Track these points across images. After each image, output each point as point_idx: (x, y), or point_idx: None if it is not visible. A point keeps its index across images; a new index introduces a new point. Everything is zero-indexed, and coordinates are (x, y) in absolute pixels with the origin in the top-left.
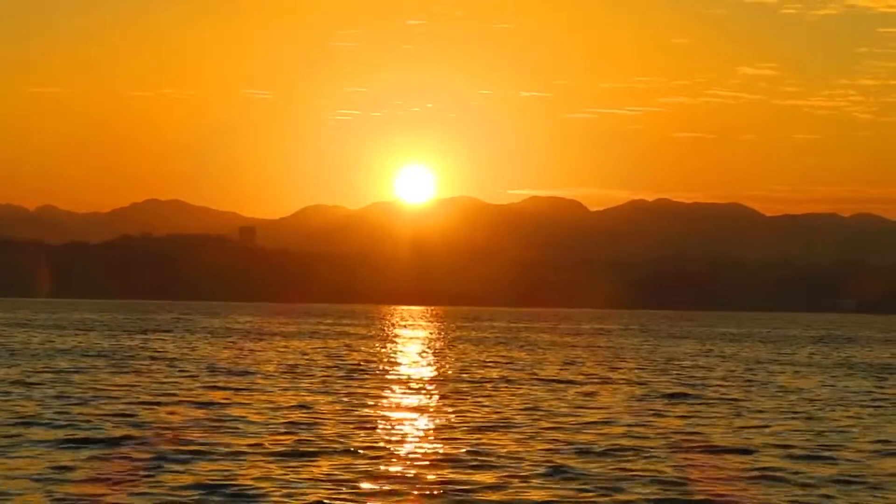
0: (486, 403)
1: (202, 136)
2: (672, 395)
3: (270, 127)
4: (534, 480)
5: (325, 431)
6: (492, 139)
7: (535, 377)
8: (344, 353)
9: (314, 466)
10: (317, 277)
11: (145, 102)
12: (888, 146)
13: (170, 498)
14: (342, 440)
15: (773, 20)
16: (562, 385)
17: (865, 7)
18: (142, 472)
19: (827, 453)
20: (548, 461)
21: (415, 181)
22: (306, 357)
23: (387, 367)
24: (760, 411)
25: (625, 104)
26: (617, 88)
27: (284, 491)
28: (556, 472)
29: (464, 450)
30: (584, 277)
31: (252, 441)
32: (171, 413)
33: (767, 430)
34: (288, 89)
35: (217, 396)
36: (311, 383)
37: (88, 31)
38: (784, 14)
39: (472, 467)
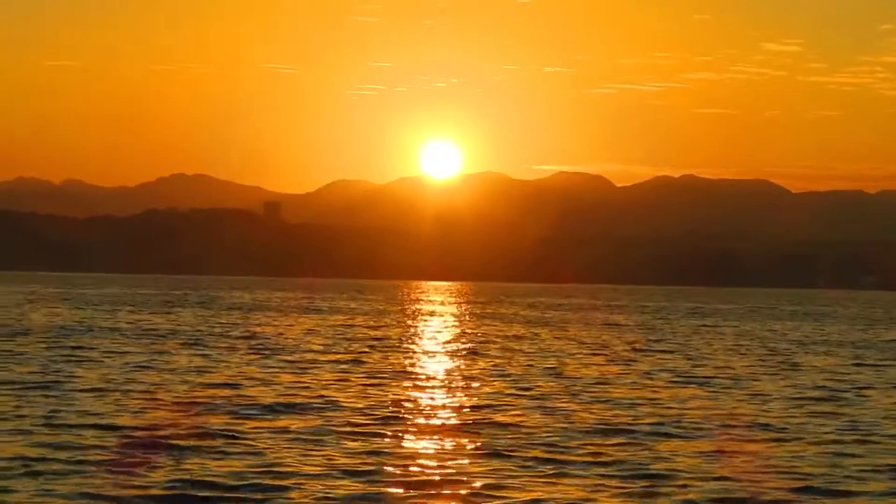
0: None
1: (226, 111)
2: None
3: (294, 101)
4: None
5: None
6: (516, 115)
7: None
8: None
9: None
10: (341, 252)
11: (169, 76)
12: None
13: None
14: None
15: None
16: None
17: None
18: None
19: None
20: None
21: (440, 156)
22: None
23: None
24: None
25: (647, 80)
26: (639, 64)
27: None
28: None
29: None
30: (611, 253)
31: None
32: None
33: None
34: (311, 64)
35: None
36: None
37: (111, 5)
38: None
39: None
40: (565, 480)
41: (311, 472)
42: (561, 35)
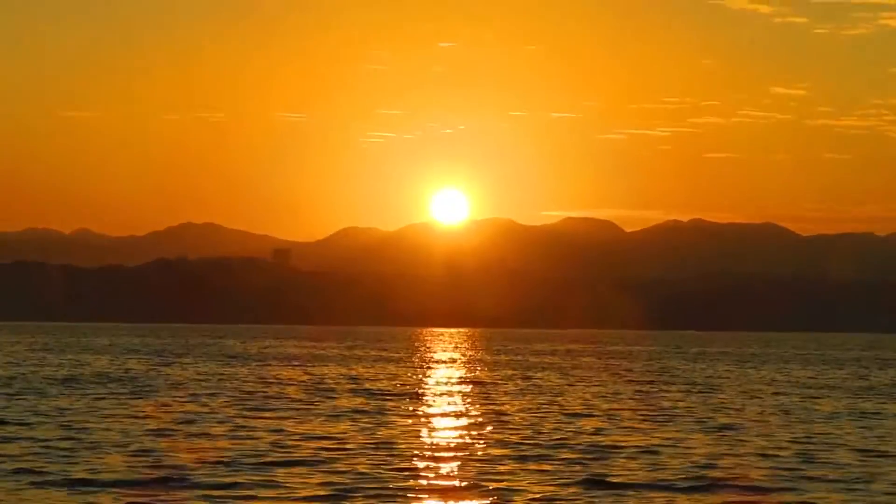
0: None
1: (236, 159)
2: None
3: (304, 149)
4: None
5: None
6: (524, 160)
7: None
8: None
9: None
10: (351, 299)
11: (179, 126)
12: None
13: None
14: None
15: (805, 40)
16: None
17: None
18: None
19: None
20: None
21: (449, 203)
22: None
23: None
24: None
25: (655, 125)
26: (647, 109)
27: None
28: None
29: None
30: (621, 298)
31: None
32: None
33: None
34: (321, 112)
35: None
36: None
37: (122, 55)
38: (816, 34)
39: None
40: None
41: None
42: (568, 81)
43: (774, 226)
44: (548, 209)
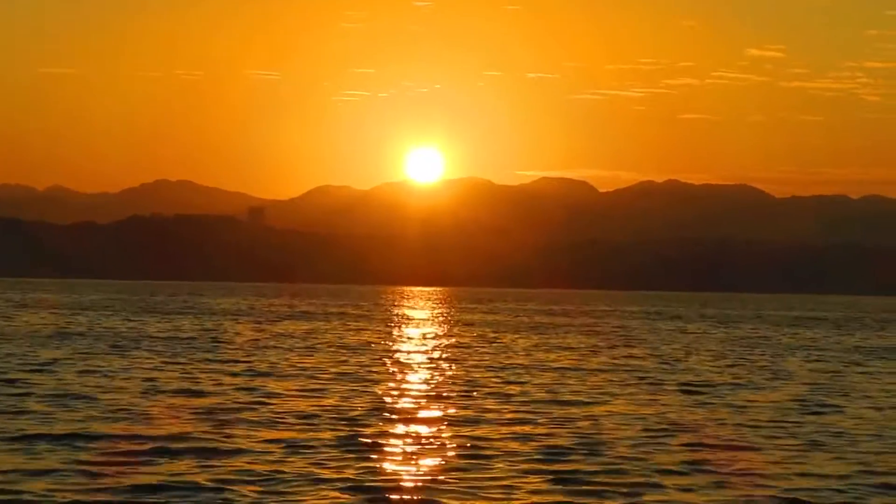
0: None
1: (211, 117)
2: None
3: (279, 108)
4: None
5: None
6: (500, 120)
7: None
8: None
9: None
10: (325, 258)
11: (156, 83)
12: (895, 128)
13: None
14: None
15: (781, 2)
16: None
17: None
18: None
19: None
20: None
21: (424, 162)
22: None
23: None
24: None
25: (631, 86)
26: (622, 70)
27: None
28: None
29: None
30: (594, 258)
31: None
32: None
33: None
34: (296, 70)
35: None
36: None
37: (100, 13)
38: None
39: None
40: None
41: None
42: (544, 41)
43: (748, 187)
44: (522, 169)
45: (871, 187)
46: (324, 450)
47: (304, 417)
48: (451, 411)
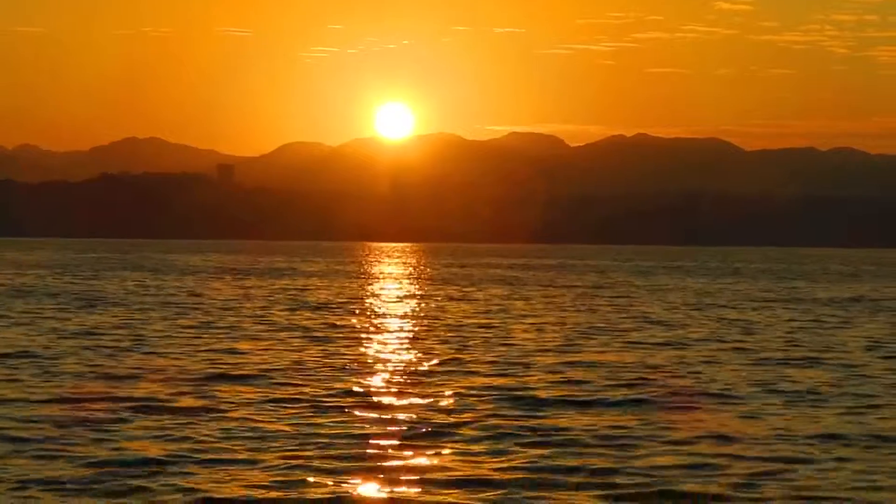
0: None
1: (180, 74)
2: None
3: (248, 65)
4: None
5: None
6: (469, 76)
7: None
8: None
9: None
10: (295, 214)
11: (125, 41)
12: (864, 81)
13: None
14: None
15: None
16: None
17: None
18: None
19: None
20: None
21: (393, 117)
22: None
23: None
24: None
25: (599, 40)
26: (591, 24)
27: None
28: None
29: None
30: (565, 213)
31: None
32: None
33: None
34: (264, 27)
35: None
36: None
37: None
38: None
39: None
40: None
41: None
42: None
43: (718, 141)
44: (492, 124)
45: (840, 140)
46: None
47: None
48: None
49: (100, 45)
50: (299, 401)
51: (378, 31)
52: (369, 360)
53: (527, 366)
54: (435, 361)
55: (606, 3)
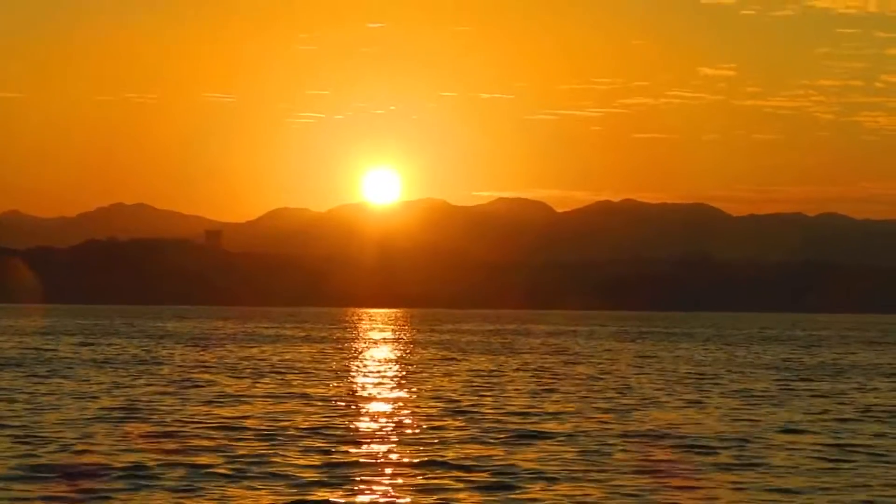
0: None
1: (166, 140)
2: None
3: (234, 130)
4: None
5: None
6: (456, 141)
7: None
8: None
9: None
10: (283, 280)
11: (109, 107)
12: (849, 146)
13: None
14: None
15: (732, 21)
16: None
17: (824, 8)
18: None
19: None
20: None
21: (380, 183)
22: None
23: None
24: None
25: (586, 105)
26: (577, 90)
27: None
28: None
29: None
30: (552, 278)
31: None
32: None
33: None
34: (250, 93)
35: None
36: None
37: (51, 36)
38: (743, 15)
39: None
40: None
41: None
42: (499, 61)
43: (706, 206)
44: (479, 189)
45: (828, 205)
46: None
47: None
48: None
49: (83, 110)
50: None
51: (365, 97)
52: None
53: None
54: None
55: (592, 68)
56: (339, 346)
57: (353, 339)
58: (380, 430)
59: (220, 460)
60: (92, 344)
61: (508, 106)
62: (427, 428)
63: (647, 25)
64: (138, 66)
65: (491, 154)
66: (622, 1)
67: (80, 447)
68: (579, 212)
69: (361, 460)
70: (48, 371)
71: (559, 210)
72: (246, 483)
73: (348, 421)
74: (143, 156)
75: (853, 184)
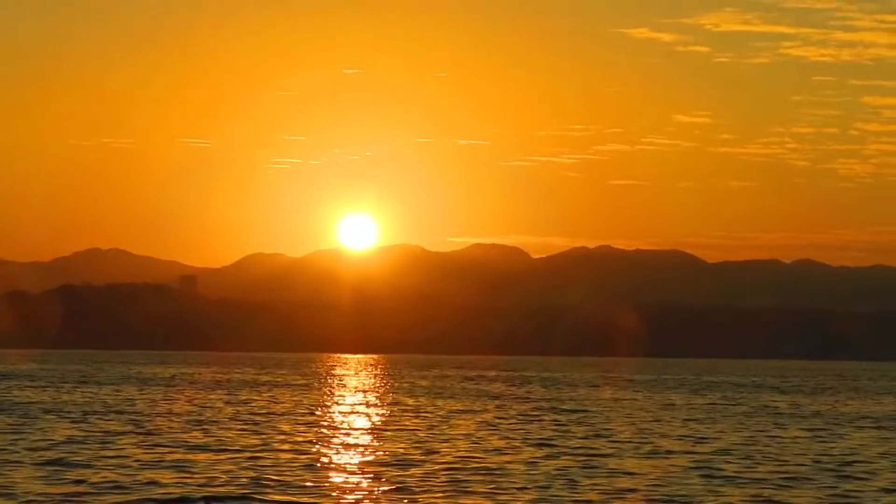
0: None
1: (142, 185)
2: None
3: (210, 175)
4: None
5: None
6: (432, 187)
7: None
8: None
9: None
10: (258, 325)
11: (85, 151)
12: (824, 193)
13: None
14: None
15: (707, 68)
16: None
17: (798, 56)
18: None
19: None
20: None
21: (356, 228)
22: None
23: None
24: None
25: (562, 152)
26: (553, 136)
27: None
28: None
29: None
30: (528, 324)
31: None
32: None
33: None
34: (226, 138)
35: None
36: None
37: (24, 81)
38: (717, 62)
39: None
40: None
41: None
42: (475, 108)
43: (681, 253)
44: (455, 235)
45: (803, 251)
46: None
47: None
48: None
49: (59, 155)
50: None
51: (341, 143)
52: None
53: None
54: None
55: (567, 115)
56: (294, 394)
57: (310, 387)
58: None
59: None
60: (47, 388)
61: (485, 152)
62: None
63: (623, 73)
64: (115, 110)
65: (467, 200)
66: (598, 48)
67: None
68: (555, 258)
69: None
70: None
71: (535, 256)
72: None
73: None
74: (119, 201)
75: (828, 230)
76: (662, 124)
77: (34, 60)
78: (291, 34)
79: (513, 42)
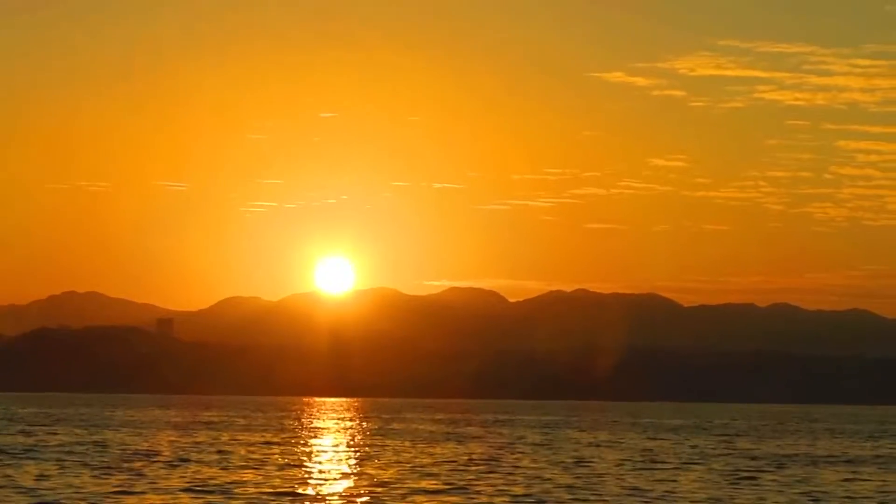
0: None
1: (118, 228)
2: None
3: (186, 219)
4: None
5: None
6: (408, 230)
7: None
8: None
9: None
10: (234, 369)
11: (60, 195)
12: (800, 237)
13: None
14: None
15: (682, 112)
16: None
17: (773, 100)
18: None
19: None
20: None
21: (332, 272)
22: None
23: None
24: None
25: (537, 196)
26: (529, 180)
27: None
28: None
29: None
30: (504, 368)
31: None
32: None
33: None
34: (202, 181)
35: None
36: None
37: (0, 124)
38: (693, 106)
39: None
40: None
41: None
42: (451, 151)
43: (657, 296)
44: (431, 279)
45: (779, 295)
46: None
47: None
48: None
49: (35, 199)
50: None
51: (317, 186)
52: None
53: None
54: None
55: (543, 159)
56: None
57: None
58: None
59: None
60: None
61: (460, 196)
62: None
63: (598, 116)
64: (90, 154)
65: (443, 243)
66: (573, 92)
67: None
68: (531, 301)
69: None
70: None
71: (511, 300)
72: None
73: None
74: (95, 244)
75: (803, 274)
76: (638, 168)
77: (7, 104)
78: (267, 77)
79: (488, 86)
